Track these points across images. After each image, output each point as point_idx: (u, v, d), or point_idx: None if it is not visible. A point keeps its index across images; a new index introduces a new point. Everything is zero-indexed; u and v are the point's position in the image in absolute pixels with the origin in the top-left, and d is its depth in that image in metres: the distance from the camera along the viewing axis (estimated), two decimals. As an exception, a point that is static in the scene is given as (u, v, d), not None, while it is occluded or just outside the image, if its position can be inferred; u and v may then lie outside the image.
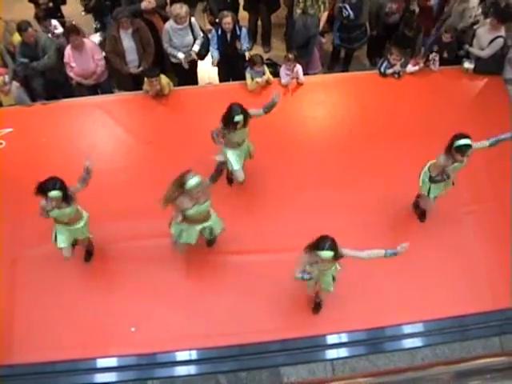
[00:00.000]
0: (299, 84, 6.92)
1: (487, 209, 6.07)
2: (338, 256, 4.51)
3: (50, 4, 7.21)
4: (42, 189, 4.76)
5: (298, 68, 6.83)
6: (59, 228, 5.24)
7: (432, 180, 5.31)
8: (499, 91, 6.98)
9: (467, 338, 5.51)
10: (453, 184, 5.53)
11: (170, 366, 5.41)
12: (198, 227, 5.19)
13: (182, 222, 5.06)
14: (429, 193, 5.50)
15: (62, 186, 4.80)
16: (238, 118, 5.25)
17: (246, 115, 5.33)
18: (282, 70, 6.88)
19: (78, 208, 5.14)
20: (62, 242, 5.28)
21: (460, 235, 5.96)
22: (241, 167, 5.75)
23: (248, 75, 6.85)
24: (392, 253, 4.58)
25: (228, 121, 5.31)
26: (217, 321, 5.45)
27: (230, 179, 6.24)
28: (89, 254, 5.81)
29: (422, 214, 6.03)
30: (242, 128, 5.41)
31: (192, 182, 4.73)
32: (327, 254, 4.41)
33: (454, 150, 5.06)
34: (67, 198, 4.89)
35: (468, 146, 5.03)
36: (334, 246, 4.44)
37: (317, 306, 5.53)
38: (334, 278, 5.01)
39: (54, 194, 4.75)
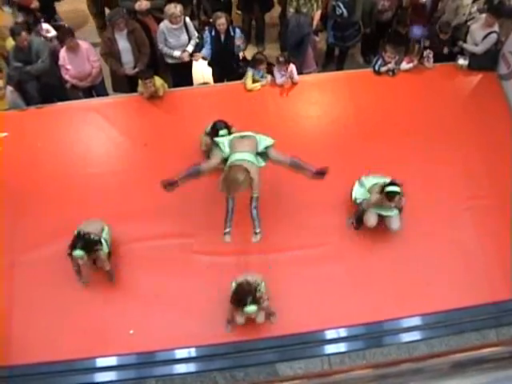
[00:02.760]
0: (294, 83, 6.91)
1: (486, 205, 6.09)
2: (261, 305, 4.99)
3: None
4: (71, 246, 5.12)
5: (292, 67, 6.81)
6: None
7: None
8: (494, 87, 6.98)
9: (464, 331, 5.55)
10: (399, 210, 5.72)
11: (168, 364, 5.45)
12: None
13: None
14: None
15: (84, 245, 5.09)
16: (223, 132, 5.89)
17: (229, 128, 5.97)
18: (276, 71, 6.86)
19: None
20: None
21: (458, 230, 5.98)
22: None
23: (250, 74, 6.84)
24: None
25: (215, 135, 5.88)
26: (213, 320, 5.47)
27: None
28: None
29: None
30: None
31: None
32: (251, 308, 4.95)
33: (384, 194, 5.40)
34: (90, 250, 5.16)
35: (396, 193, 5.36)
36: (255, 300, 4.91)
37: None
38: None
39: (78, 253, 5.06)
